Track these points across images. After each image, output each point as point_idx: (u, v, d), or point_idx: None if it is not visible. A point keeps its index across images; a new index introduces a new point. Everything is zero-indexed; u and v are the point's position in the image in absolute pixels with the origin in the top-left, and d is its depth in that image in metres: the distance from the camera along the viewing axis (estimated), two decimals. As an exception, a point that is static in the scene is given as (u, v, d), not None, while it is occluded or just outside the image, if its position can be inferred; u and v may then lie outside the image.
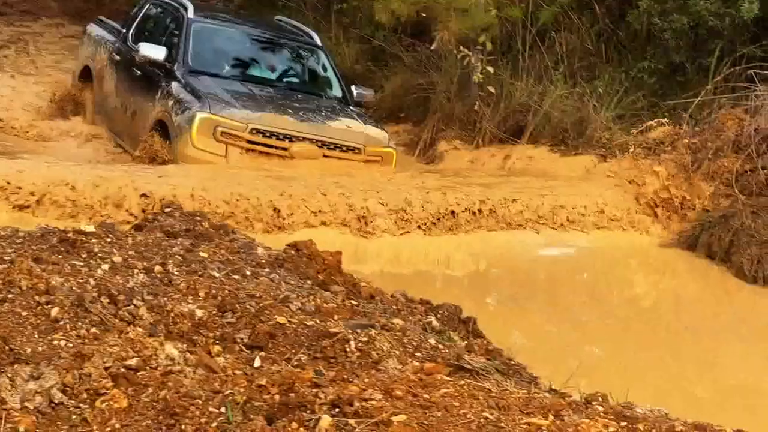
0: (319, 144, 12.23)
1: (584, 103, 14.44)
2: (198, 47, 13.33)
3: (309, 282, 5.79)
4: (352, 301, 5.61)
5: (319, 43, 14.69)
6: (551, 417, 3.92)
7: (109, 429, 3.78)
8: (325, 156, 12.26)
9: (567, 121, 14.30)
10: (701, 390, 7.73)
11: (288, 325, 4.83)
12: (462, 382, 4.23)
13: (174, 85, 12.63)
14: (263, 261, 5.98)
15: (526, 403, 4.03)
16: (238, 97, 12.53)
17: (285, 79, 14.15)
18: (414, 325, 5.47)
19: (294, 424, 3.74)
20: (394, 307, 5.92)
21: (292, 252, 6.16)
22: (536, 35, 15.73)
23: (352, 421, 3.74)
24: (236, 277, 5.50)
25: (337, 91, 14.04)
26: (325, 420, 3.71)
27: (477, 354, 4.89)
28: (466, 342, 5.33)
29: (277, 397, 4.00)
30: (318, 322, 4.90)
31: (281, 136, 12.07)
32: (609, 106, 14.47)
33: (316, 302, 5.28)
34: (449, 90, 15.78)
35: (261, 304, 4.99)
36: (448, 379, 4.28)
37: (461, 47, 14.73)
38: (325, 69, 14.43)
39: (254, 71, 13.93)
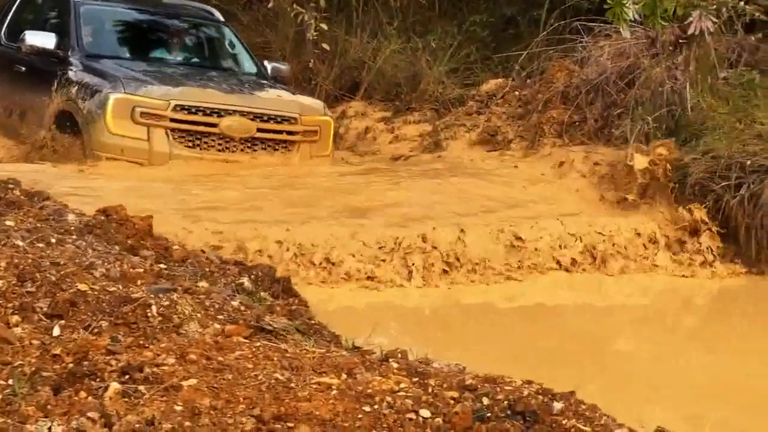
0: (252, 117, 11.23)
1: (417, 58, 14.56)
2: (91, 30, 12.36)
3: (117, 247, 5.72)
4: (162, 265, 5.56)
5: (221, 19, 14.01)
6: (344, 376, 3.94)
7: None
8: (259, 130, 11.27)
9: (400, 76, 14.41)
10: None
11: (90, 292, 4.75)
12: (258, 344, 4.23)
13: (74, 71, 11.58)
14: (72, 228, 5.89)
15: (320, 363, 4.05)
16: (151, 75, 11.55)
17: (193, 59, 13.30)
18: (225, 287, 5.45)
19: (82, 393, 3.69)
20: (207, 269, 5.89)
21: (102, 217, 6.09)
22: (371, -10, 15.78)
23: (141, 388, 3.71)
24: (41, 245, 5.39)
25: (251, 67, 13.25)
26: (113, 387, 3.67)
27: (279, 314, 4.90)
28: (270, 302, 5.34)
29: (70, 366, 3.95)
30: (121, 288, 4.84)
31: (209, 111, 11.01)
32: (442, 60, 14.59)
33: (122, 268, 5.22)
34: (285, 48, 15.78)
35: (62, 272, 4.90)
36: (245, 341, 4.28)
37: (295, 5, 14.69)
38: (233, 45, 13.67)
39: (158, 52, 13.05)
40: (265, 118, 11.36)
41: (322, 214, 9.08)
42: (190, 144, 11.02)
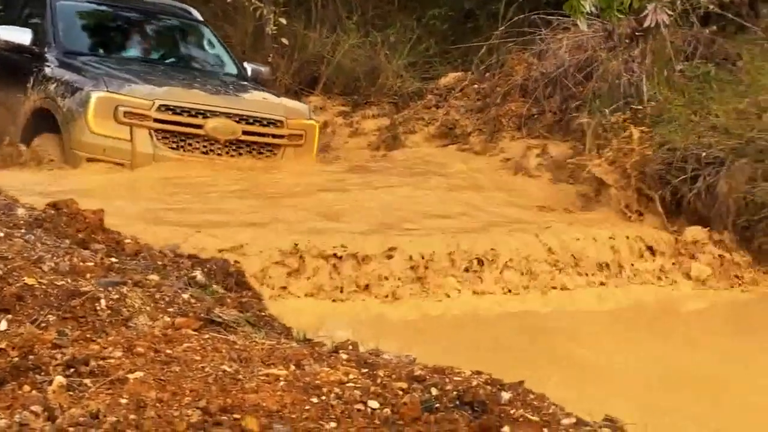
0: (237, 119, 10.92)
1: (376, 52, 14.58)
2: (69, 26, 11.98)
3: (67, 241, 5.67)
4: (113, 259, 5.51)
5: (199, 18, 13.71)
6: (292, 367, 3.92)
7: None
8: (244, 133, 10.95)
9: (359, 70, 14.42)
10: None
11: (38, 286, 4.70)
12: (207, 336, 4.21)
13: (52, 67, 11.24)
14: (21, 222, 5.83)
15: (269, 355, 4.03)
16: (133, 73, 11.13)
17: (173, 58, 12.93)
18: (177, 280, 5.41)
19: (26, 387, 3.65)
20: (160, 262, 5.84)
21: (52, 211, 6.03)
22: (330, -16, 15.77)
23: (87, 381, 3.67)
24: (-12, 239, 5.35)
25: (231, 68, 12.96)
26: (57, 381, 3.63)
27: (230, 306, 4.87)
28: (221, 294, 5.30)
29: (15, 360, 3.90)
30: (69, 281, 4.79)
31: (194, 112, 10.68)
32: (401, 54, 14.61)
33: (71, 261, 5.17)
34: (244, 43, 15.74)
35: (10, 266, 4.85)
36: (193, 333, 4.25)
37: None
38: (212, 45, 13.36)
39: (136, 51, 12.73)
40: (251, 120, 11.03)
41: (290, 218, 8.90)
42: (174, 145, 10.70)
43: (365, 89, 14.21)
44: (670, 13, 10.39)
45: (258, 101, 11.46)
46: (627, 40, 11.76)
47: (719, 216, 9.70)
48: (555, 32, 12.82)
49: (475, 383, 3.89)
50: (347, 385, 3.81)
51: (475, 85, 13.23)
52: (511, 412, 3.76)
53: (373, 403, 3.71)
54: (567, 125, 11.74)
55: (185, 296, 4.92)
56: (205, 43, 13.44)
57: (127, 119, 10.43)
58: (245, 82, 12.46)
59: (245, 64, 13.17)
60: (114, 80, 10.70)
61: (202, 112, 10.74)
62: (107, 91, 10.50)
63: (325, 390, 3.73)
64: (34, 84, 11.24)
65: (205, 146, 10.85)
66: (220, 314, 4.55)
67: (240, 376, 3.78)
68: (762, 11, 11.98)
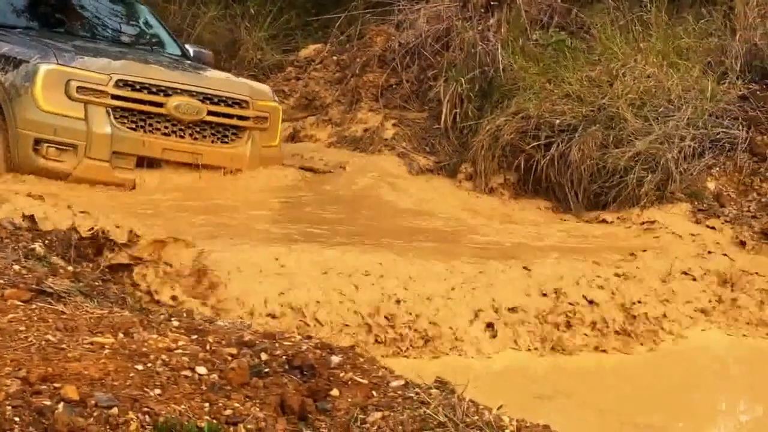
0: (201, 98, 9.76)
1: (237, 25, 14.49)
2: None
3: None
4: (-57, 233, 5.41)
5: None
6: (120, 335, 3.87)
7: None
8: (209, 113, 9.78)
9: (219, 43, 14.29)
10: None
11: None
12: (34, 306, 4.13)
13: None
14: None
15: (97, 323, 3.98)
16: (79, 48, 10.01)
17: (111, 35, 11.61)
18: (12, 252, 5.30)
19: None
20: (-3, 235, 5.73)
21: None
22: (191, -44, 15.55)
23: None
24: None
25: (173, 48, 11.69)
26: None
27: (63, 277, 4.80)
28: (56, 266, 5.21)
29: None
30: None
31: (155, 89, 9.54)
32: (262, 26, 14.52)
33: None
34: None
35: None
36: (21, 304, 4.17)
37: (109, -30, 14.37)
38: (150, 25, 12.16)
39: (72, 26, 11.34)
40: (216, 100, 9.91)
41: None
42: (134, 125, 9.58)
43: (226, 62, 14.06)
44: (525, -18, 10.51)
45: (221, 79, 10.48)
46: (482, 10, 11.84)
47: (571, 182, 9.84)
48: (413, 3, 12.84)
49: (305, 347, 3.90)
50: (175, 351, 3.78)
51: (335, 57, 13.19)
52: (341, 375, 3.77)
53: (201, 369, 3.69)
54: (424, 95, 11.78)
55: (17, 268, 4.83)
56: (142, 22, 12.36)
57: (81, 95, 9.31)
58: (195, 62, 11.35)
59: (187, 47, 11.97)
60: (64, 52, 9.61)
61: (163, 89, 9.66)
62: (57, 63, 9.35)
63: (151, 357, 3.70)
64: None
65: (167, 127, 9.73)
66: (52, 285, 4.47)
67: (64, 345, 3.72)
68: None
